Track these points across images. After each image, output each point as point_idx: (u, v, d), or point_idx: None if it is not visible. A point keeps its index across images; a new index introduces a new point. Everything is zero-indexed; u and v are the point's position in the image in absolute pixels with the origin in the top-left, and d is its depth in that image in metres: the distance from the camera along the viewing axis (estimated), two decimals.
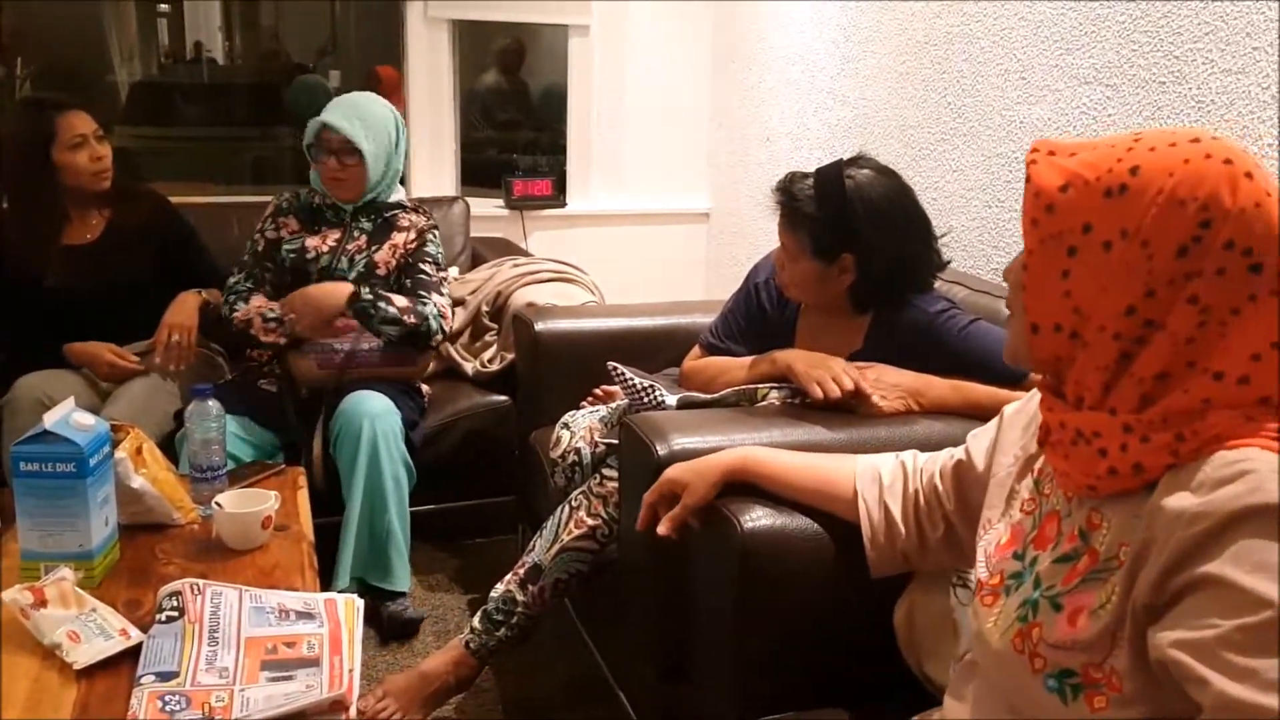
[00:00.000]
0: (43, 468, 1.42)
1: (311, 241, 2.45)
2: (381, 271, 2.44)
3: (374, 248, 2.46)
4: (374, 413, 2.27)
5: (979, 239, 2.45)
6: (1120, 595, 0.89)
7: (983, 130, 2.42)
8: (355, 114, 2.39)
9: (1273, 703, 0.75)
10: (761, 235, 3.37)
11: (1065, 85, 2.18)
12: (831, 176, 1.75)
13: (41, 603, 1.33)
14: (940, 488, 1.26)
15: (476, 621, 1.89)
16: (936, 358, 1.74)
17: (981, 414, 1.50)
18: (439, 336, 2.45)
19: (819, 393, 1.66)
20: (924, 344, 1.77)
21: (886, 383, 1.69)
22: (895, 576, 1.33)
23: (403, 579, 2.32)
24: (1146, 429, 0.89)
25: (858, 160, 1.79)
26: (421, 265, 2.48)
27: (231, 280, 2.49)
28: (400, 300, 2.38)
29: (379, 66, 4.02)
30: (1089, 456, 0.93)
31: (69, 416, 1.46)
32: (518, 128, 4.41)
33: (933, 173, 2.59)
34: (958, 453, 1.26)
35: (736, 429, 1.58)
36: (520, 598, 1.85)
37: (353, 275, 2.42)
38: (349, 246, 2.45)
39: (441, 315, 2.44)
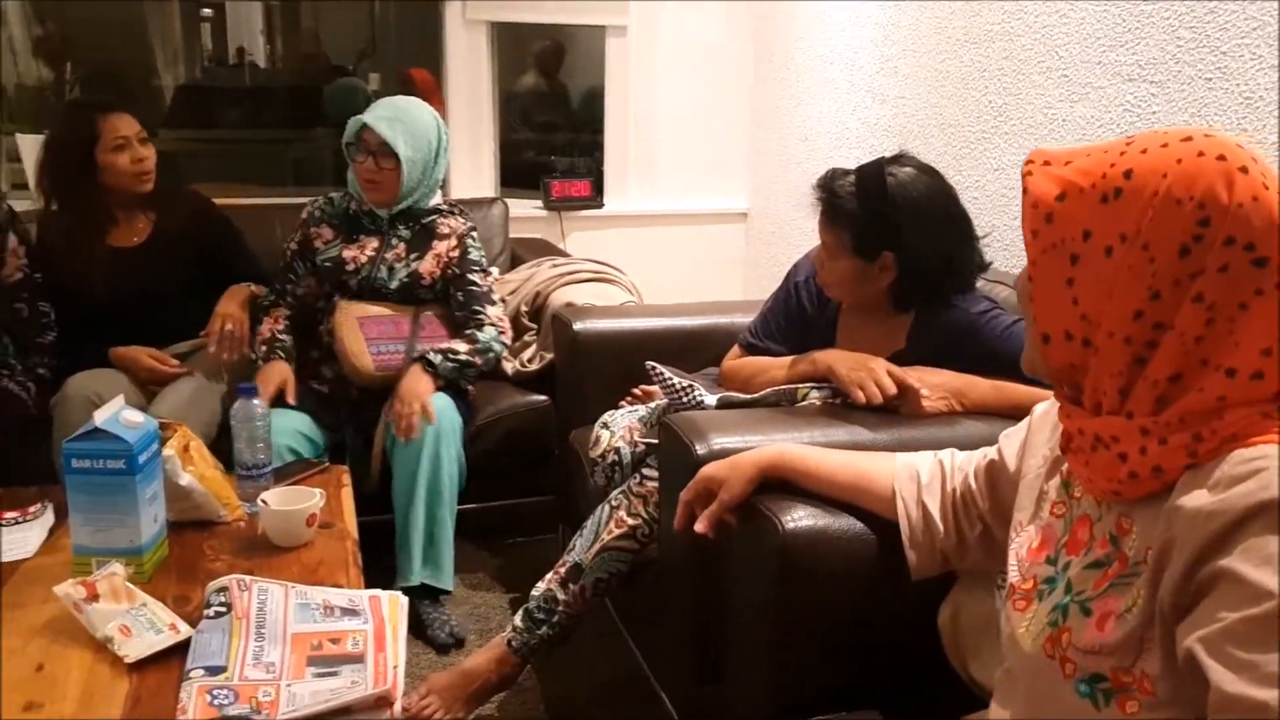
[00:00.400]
0: (94, 464, 1.45)
1: (349, 252, 2.45)
2: (427, 282, 2.45)
3: (414, 255, 2.45)
4: (437, 409, 2.29)
5: (1020, 238, 2.42)
6: (1146, 598, 0.89)
7: (1024, 129, 2.40)
8: (397, 117, 2.37)
9: (1268, 697, 0.75)
10: (800, 235, 3.36)
11: (1108, 82, 2.15)
12: (873, 174, 1.74)
13: (94, 597, 1.35)
14: (974, 487, 1.26)
15: (518, 620, 1.90)
16: (979, 358, 1.72)
17: (1024, 415, 1.49)
18: (504, 353, 2.48)
19: (861, 397, 1.65)
20: (966, 344, 1.76)
21: (929, 383, 1.68)
22: (937, 578, 1.32)
23: (449, 577, 2.34)
24: (1164, 431, 0.89)
25: (900, 158, 1.78)
26: (470, 276, 2.47)
27: (263, 293, 2.53)
28: (461, 345, 2.38)
29: (413, 70, 4.04)
30: (1109, 461, 0.93)
31: (119, 414, 1.49)
32: (556, 129, 4.42)
33: (973, 171, 2.57)
34: (990, 452, 1.26)
35: (776, 429, 1.58)
36: (561, 597, 1.86)
37: (394, 285, 2.43)
38: (388, 255, 2.45)
39: (500, 332, 2.45)
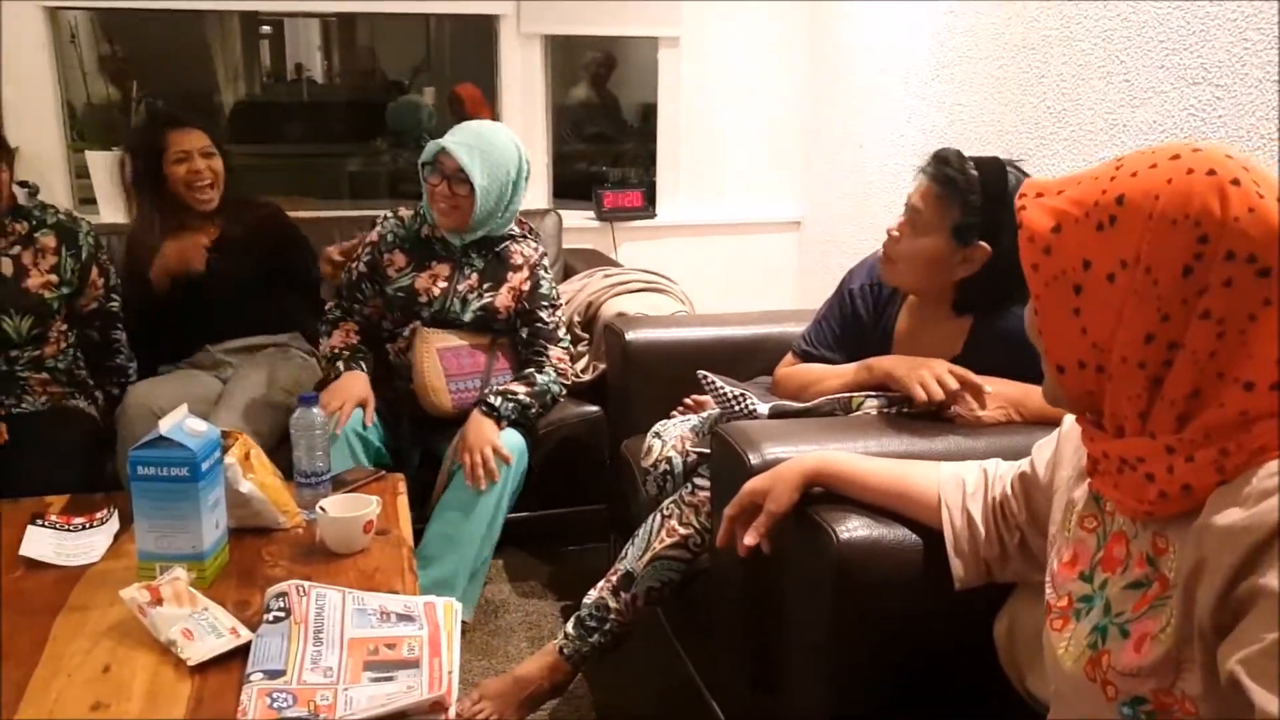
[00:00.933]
0: (158, 471, 1.48)
1: (421, 283, 2.40)
2: (502, 316, 2.42)
3: (487, 286, 2.41)
4: (510, 448, 2.30)
5: None
6: (1178, 618, 0.87)
7: (1084, 135, 2.36)
8: (477, 145, 2.31)
9: None
10: (855, 243, 3.34)
11: (1171, 86, 2.11)
12: (997, 167, 1.73)
13: (158, 601, 1.38)
14: (1011, 496, 1.25)
15: (570, 627, 1.91)
16: (1038, 367, 1.69)
17: None
18: (563, 394, 2.46)
19: (922, 394, 1.62)
20: (1025, 352, 1.72)
21: (1000, 393, 1.65)
22: (997, 589, 1.30)
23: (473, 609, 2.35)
24: (1189, 448, 0.88)
25: (1016, 163, 1.77)
26: (539, 312, 2.44)
27: (327, 306, 2.53)
28: (520, 388, 2.36)
29: (460, 86, 4.08)
30: (1137, 483, 0.92)
31: (183, 423, 1.53)
32: (607, 140, 4.45)
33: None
34: (1024, 463, 1.25)
35: (831, 438, 1.56)
36: (613, 605, 1.87)
37: (467, 317, 2.40)
38: (460, 286, 2.40)
39: (560, 375, 2.42)
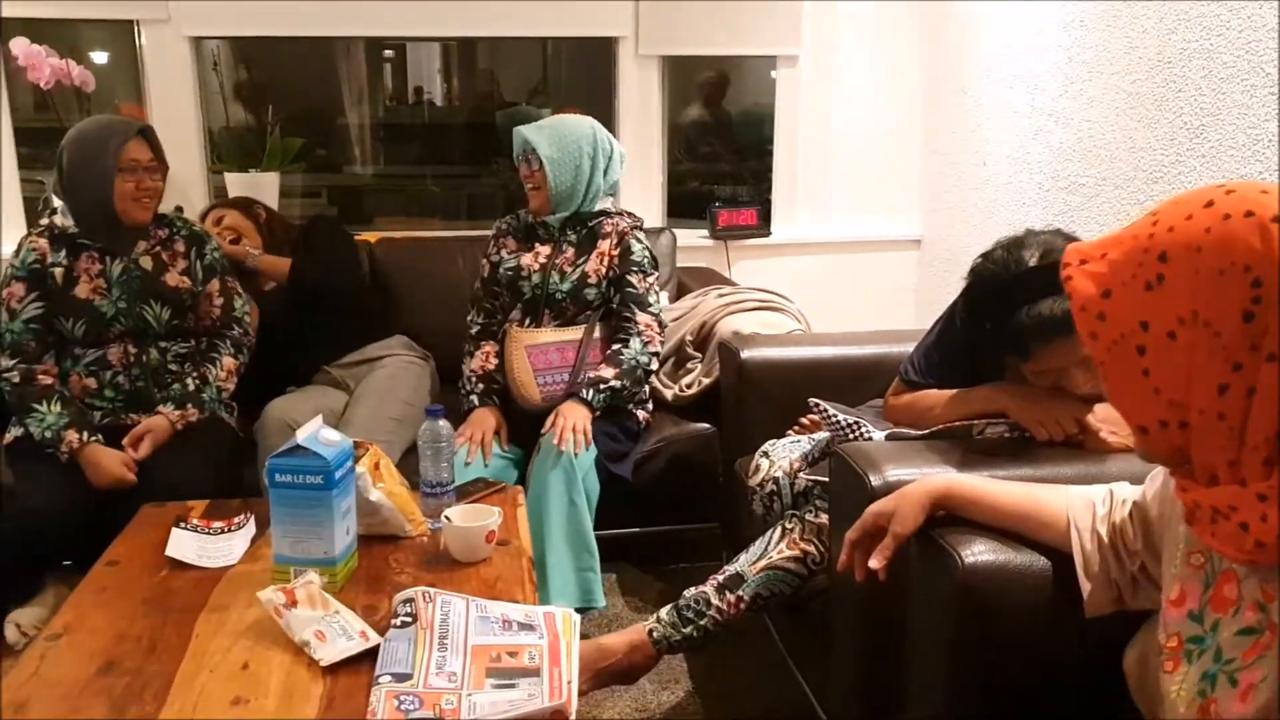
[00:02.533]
0: (294, 479, 1.55)
1: (525, 260, 2.57)
2: (593, 280, 2.53)
3: (583, 258, 2.54)
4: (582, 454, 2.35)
5: None
6: (1276, 667, 0.85)
7: (1224, 150, 2.27)
8: (546, 124, 2.56)
9: None
10: None
11: None
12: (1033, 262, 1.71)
13: (293, 603, 1.44)
14: (1129, 521, 1.22)
15: (664, 613, 1.91)
16: None
17: None
18: (653, 364, 2.52)
19: (1044, 434, 1.60)
20: None
21: (1113, 417, 1.60)
22: (1130, 618, 1.25)
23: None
24: None
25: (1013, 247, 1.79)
26: (629, 277, 2.54)
27: (468, 319, 2.67)
28: (608, 371, 2.44)
29: (565, 109, 4.14)
30: (1232, 532, 0.90)
31: (318, 433, 1.59)
32: (721, 159, 4.45)
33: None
34: (1139, 490, 1.23)
35: (953, 461, 1.54)
36: (715, 601, 1.87)
37: (566, 287, 2.51)
38: (558, 260, 2.55)
39: (647, 342, 2.48)
